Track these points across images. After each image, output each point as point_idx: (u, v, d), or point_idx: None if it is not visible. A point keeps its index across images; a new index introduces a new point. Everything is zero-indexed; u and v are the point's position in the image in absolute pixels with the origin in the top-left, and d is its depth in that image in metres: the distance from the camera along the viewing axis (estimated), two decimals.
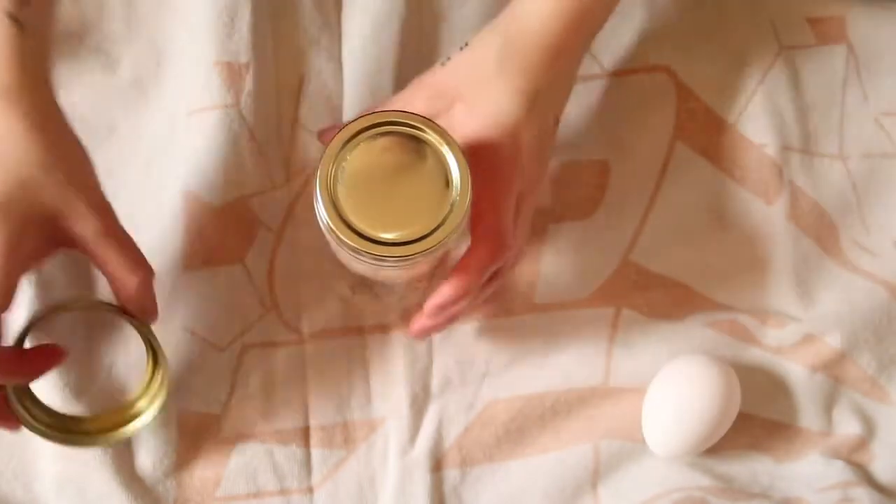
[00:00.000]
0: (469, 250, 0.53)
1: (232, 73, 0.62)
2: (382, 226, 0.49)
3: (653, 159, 0.65)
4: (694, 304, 0.63)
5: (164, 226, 0.62)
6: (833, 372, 0.62)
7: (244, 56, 0.62)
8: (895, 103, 0.67)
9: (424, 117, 0.50)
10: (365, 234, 0.49)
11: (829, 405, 0.62)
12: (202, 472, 0.60)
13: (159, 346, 0.55)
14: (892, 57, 0.68)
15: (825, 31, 0.68)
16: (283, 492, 0.60)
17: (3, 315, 0.50)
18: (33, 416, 0.56)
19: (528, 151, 0.54)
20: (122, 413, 0.58)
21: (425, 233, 0.49)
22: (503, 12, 0.56)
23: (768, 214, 0.64)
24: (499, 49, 0.54)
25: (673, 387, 0.59)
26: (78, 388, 0.59)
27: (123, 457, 0.59)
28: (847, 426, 0.62)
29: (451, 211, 0.50)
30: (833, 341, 0.62)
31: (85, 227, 0.51)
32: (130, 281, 0.52)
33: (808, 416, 0.62)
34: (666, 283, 0.64)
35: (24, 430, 0.55)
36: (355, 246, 0.49)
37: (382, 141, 0.51)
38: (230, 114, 0.61)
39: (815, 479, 0.61)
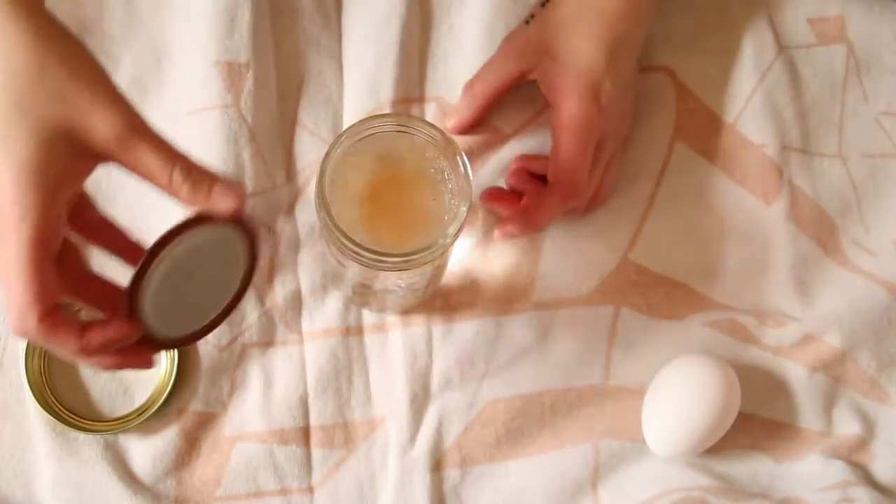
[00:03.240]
0: (543, 193, 0.58)
1: (232, 72, 0.62)
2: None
3: (653, 159, 0.65)
4: (694, 303, 0.64)
5: (164, 226, 0.62)
6: (833, 372, 0.62)
7: (244, 56, 0.62)
8: (895, 103, 0.67)
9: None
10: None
11: (828, 405, 0.62)
12: (202, 472, 0.60)
13: None
14: (892, 57, 0.68)
15: (825, 31, 0.68)
16: (283, 491, 0.60)
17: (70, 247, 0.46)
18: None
19: (609, 98, 0.58)
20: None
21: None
22: None
23: (768, 214, 0.64)
24: (578, 4, 0.59)
25: (673, 387, 0.59)
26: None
27: (123, 455, 0.59)
28: (847, 426, 0.62)
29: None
30: (833, 341, 0.62)
31: (107, 127, 0.44)
32: (174, 163, 0.46)
33: (808, 416, 0.62)
34: (666, 282, 0.64)
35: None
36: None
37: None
38: (230, 114, 0.61)
39: (815, 479, 0.61)
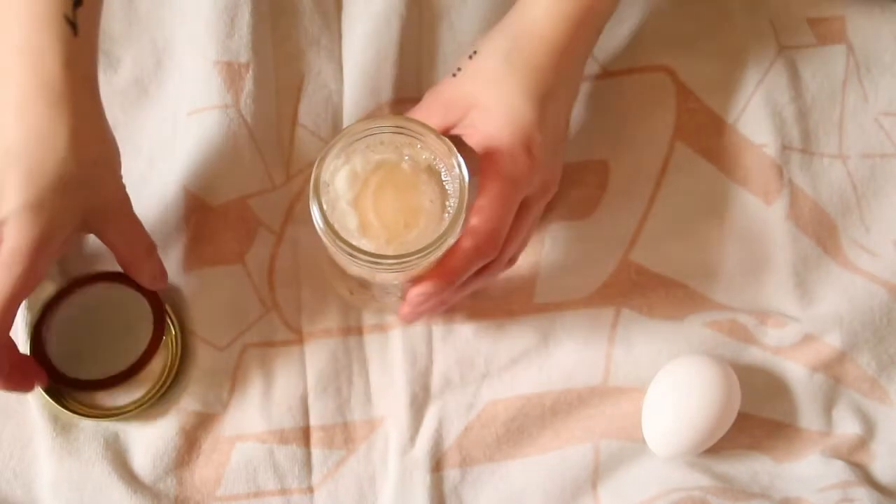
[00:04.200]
0: (457, 243, 0.53)
1: (232, 72, 0.62)
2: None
3: (653, 159, 0.65)
4: (694, 304, 0.63)
5: (165, 225, 0.62)
6: (833, 372, 0.62)
7: (244, 56, 0.62)
8: (895, 103, 0.67)
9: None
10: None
11: (828, 405, 0.62)
12: (203, 471, 0.60)
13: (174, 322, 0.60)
14: (892, 57, 0.68)
15: (825, 31, 0.68)
16: (283, 491, 0.60)
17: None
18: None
19: (541, 151, 0.55)
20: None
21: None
22: (508, 15, 0.58)
23: (768, 214, 0.64)
24: (507, 53, 0.56)
25: (673, 387, 0.59)
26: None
27: (123, 455, 0.59)
28: (847, 426, 0.62)
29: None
30: (833, 341, 0.62)
31: (113, 216, 0.55)
32: (142, 251, 0.58)
33: (808, 416, 0.62)
34: (666, 283, 0.64)
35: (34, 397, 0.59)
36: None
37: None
38: (230, 114, 0.61)
39: (815, 479, 0.61)
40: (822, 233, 0.65)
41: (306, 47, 0.65)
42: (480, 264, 0.54)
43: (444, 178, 0.52)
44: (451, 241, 0.50)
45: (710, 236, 0.64)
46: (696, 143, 0.65)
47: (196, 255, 0.61)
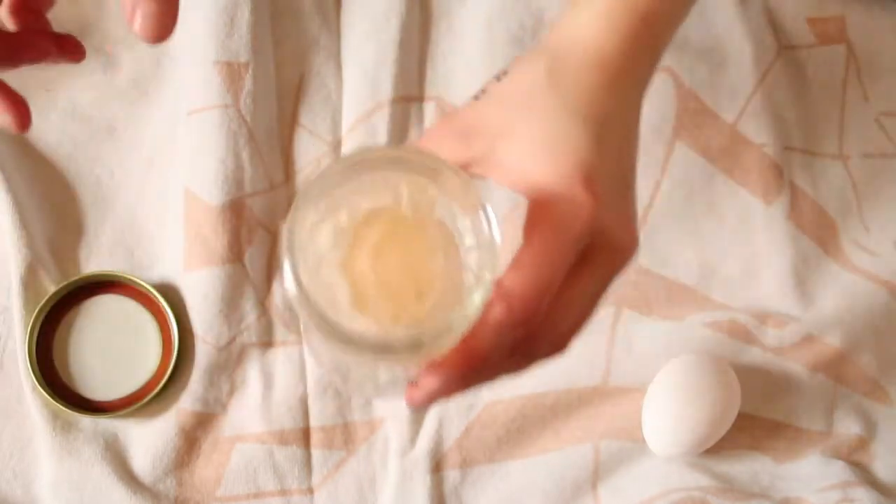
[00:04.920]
0: (482, 318, 0.38)
1: (231, 72, 0.62)
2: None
3: (653, 159, 0.65)
4: (694, 304, 0.63)
5: (165, 226, 0.62)
6: (833, 372, 0.62)
7: (244, 56, 0.62)
8: (895, 103, 0.67)
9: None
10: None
11: (829, 405, 0.62)
12: (202, 472, 0.60)
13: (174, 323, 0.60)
14: (892, 57, 0.68)
15: (825, 31, 0.68)
16: (283, 492, 0.60)
17: None
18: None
19: (604, 188, 0.41)
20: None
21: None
22: (547, 34, 0.46)
23: (768, 214, 0.64)
24: (547, 70, 0.43)
25: (673, 387, 0.59)
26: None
27: (123, 455, 0.59)
28: (847, 426, 0.62)
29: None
30: (833, 341, 0.62)
31: None
32: None
33: (809, 416, 0.62)
34: (666, 283, 0.64)
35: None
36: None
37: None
38: (229, 113, 0.61)
39: (816, 480, 0.61)
40: (822, 233, 0.65)
41: (306, 47, 0.65)
42: (513, 339, 0.40)
43: (461, 226, 0.38)
44: (471, 323, 0.37)
45: (710, 236, 0.64)
46: (696, 143, 0.65)
47: (196, 255, 0.61)
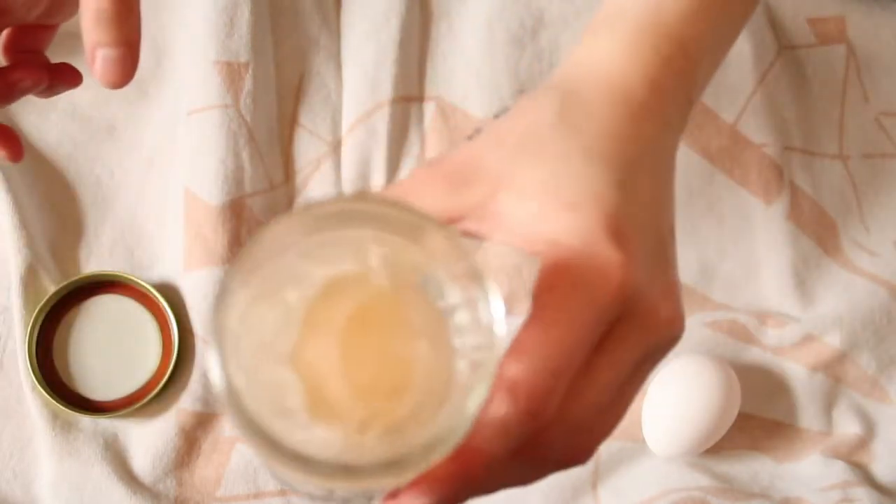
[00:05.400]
0: (479, 416, 0.29)
1: (231, 72, 0.62)
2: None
3: None
4: (694, 303, 0.63)
5: (165, 226, 0.62)
6: (833, 372, 0.62)
7: (244, 56, 0.62)
8: (895, 103, 0.67)
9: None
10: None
11: (829, 405, 0.62)
12: (203, 472, 0.60)
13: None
14: (893, 57, 0.68)
15: (825, 31, 0.68)
16: (283, 492, 0.60)
17: None
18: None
19: (639, 254, 0.33)
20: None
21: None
22: (559, 68, 0.38)
23: (768, 214, 0.64)
24: (559, 104, 0.35)
25: (673, 387, 0.59)
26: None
27: (123, 455, 0.59)
28: (847, 426, 0.62)
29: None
30: (833, 341, 0.62)
31: None
32: None
33: (808, 416, 0.62)
34: None
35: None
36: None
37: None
38: (229, 113, 0.61)
39: (816, 480, 0.61)
40: (822, 233, 0.65)
41: (306, 47, 0.65)
42: (519, 440, 0.31)
43: (450, 301, 0.29)
44: (466, 432, 0.28)
45: (710, 236, 0.64)
46: (696, 143, 0.65)
47: (196, 255, 0.61)
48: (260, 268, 0.28)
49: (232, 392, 0.26)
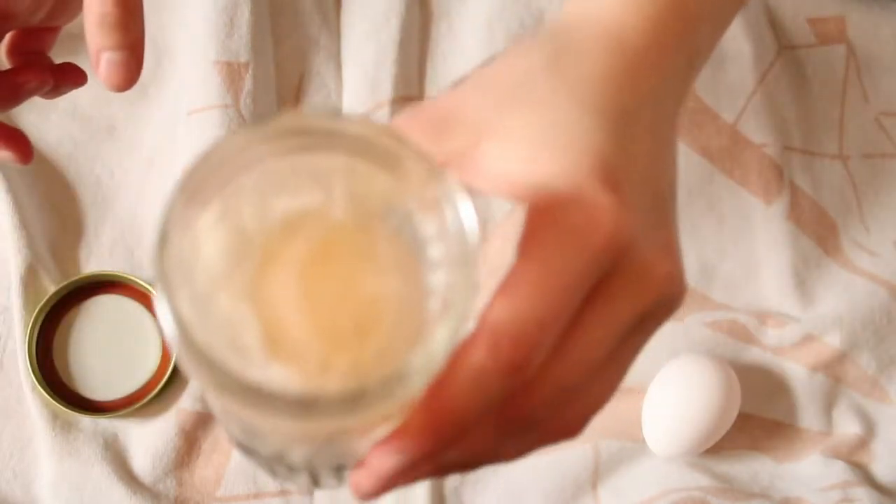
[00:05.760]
0: (459, 355, 0.28)
1: (231, 72, 0.62)
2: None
3: None
4: (694, 303, 0.63)
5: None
6: (833, 372, 0.62)
7: (244, 56, 0.62)
8: (895, 103, 0.67)
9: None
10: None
11: (829, 405, 0.62)
12: (203, 472, 0.60)
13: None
14: (893, 57, 0.67)
15: (825, 31, 0.68)
16: (283, 492, 0.60)
17: None
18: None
19: (634, 202, 0.31)
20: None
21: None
22: (548, 20, 0.38)
23: (768, 214, 0.64)
24: (551, 51, 0.33)
25: (673, 387, 0.59)
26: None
27: (122, 455, 0.59)
28: (847, 426, 0.62)
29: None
30: (833, 341, 0.62)
31: None
32: None
33: (809, 416, 0.62)
34: None
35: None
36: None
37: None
38: (229, 114, 0.61)
39: (816, 480, 0.61)
40: (822, 233, 0.65)
41: (306, 47, 0.65)
42: (500, 395, 0.28)
43: (423, 232, 0.27)
44: (447, 353, 0.26)
45: (709, 236, 0.64)
46: (695, 143, 0.65)
47: None
48: (215, 189, 0.26)
49: (180, 322, 0.24)
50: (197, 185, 0.25)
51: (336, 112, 0.23)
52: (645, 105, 0.33)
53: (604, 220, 0.29)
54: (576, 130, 0.31)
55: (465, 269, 0.25)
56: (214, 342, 0.25)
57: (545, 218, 0.29)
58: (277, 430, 0.28)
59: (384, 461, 0.29)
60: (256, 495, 0.60)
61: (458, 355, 0.27)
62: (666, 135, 0.34)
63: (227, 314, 0.25)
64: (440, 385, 0.27)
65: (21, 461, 0.59)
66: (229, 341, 0.25)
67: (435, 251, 0.26)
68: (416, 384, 0.25)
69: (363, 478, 0.30)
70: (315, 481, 0.35)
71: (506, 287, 0.28)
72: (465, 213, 0.26)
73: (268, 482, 0.60)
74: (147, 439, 0.59)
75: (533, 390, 0.29)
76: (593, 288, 0.29)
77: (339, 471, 0.34)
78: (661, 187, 0.33)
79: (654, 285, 0.30)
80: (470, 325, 0.26)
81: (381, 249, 0.26)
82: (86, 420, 0.59)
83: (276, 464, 0.34)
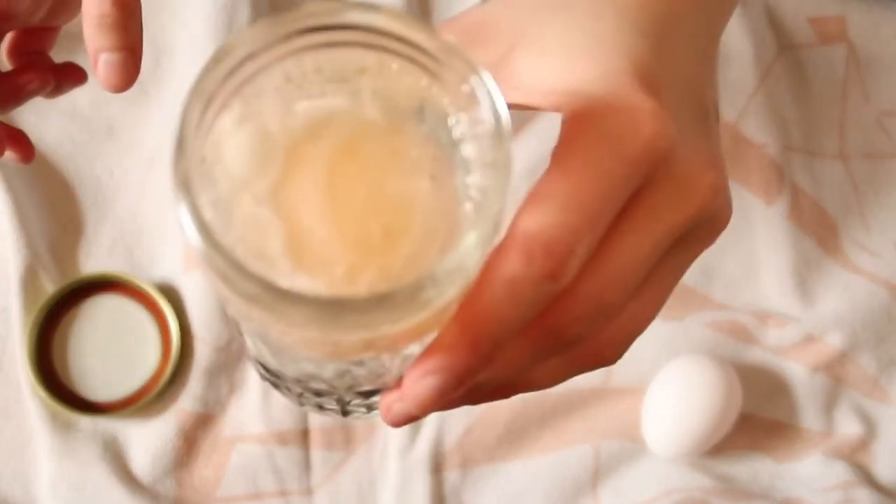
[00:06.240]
0: (491, 265, 0.26)
1: None
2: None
3: None
4: (694, 303, 0.63)
5: (165, 226, 0.62)
6: (834, 372, 0.62)
7: None
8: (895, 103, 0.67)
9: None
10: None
11: (829, 405, 0.62)
12: (202, 472, 0.60)
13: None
14: (893, 56, 0.67)
15: (826, 31, 0.67)
16: (282, 493, 0.60)
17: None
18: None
19: (674, 108, 0.29)
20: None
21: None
22: None
23: (768, 214, 0.64)
24: None
25: (673, 387, 0.59)
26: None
27: (122, 456, 0.59)
28: (848, 426, 0.62)
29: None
30: (833, 341, 0.62)
31: None
32: None
33: (809, 416, 0.62)
34: None
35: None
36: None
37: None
38: None
39: (816, 480, 0.61)
40: (822, 233, 0.64)
41: None
42: (535, 306, 0.27)
43: (455, 131, 0.26)
44: (482, 259, 0.25)
45: None
46: None
47: (196, 256, 0.61)
48: (233, 90, 0.24)
49: (203, 227, 0.23)
50: (214, 87, 0.24)
51: (363, 3, 0.23)
52: (688, 13, 0.32)
53: (643, 125, 0.27)
54: (614, 35, 0.29)
55: (498, 171, 0.24)
56: (237, 250, 0.24)
57: (581, 123, 0.28)
58: (305, 342, 0.26)
59: (419, 384, 0.27)
60: (256, 496, 0.60)
61: (490, 266, 0.26)
62: (708, 49, 0.33)
63: (250, 220, 0.24)
64: (473, 297, 0.26)
65: (20, 461, 0.59)
66: (254, 249, 0.24)
67: (468, 152, 0.25)
68: (447, 291, 0.23)
69: (395, 401, 0.29)
70: (344, 410, 0.34)
71: (539, 193, 0.27)
72: (501, 110, 0.24)
73: (267, 482, 0.60)
74: (146, 440, 0.59)
75: (568, 304, 0.27)
76: (632, 198, 0.27)
77: (368, 396, 0.32)
78: (704, 103, 0.31)
79: (696, 196, 0.28)
80: (502, 233, 0.25)
81: (412, 150, 0.25)
82: (85, 420, 0.59)
83: (304, 389, 0.33)
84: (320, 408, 0.35)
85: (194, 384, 0.60)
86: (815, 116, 0.66)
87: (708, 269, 0.64)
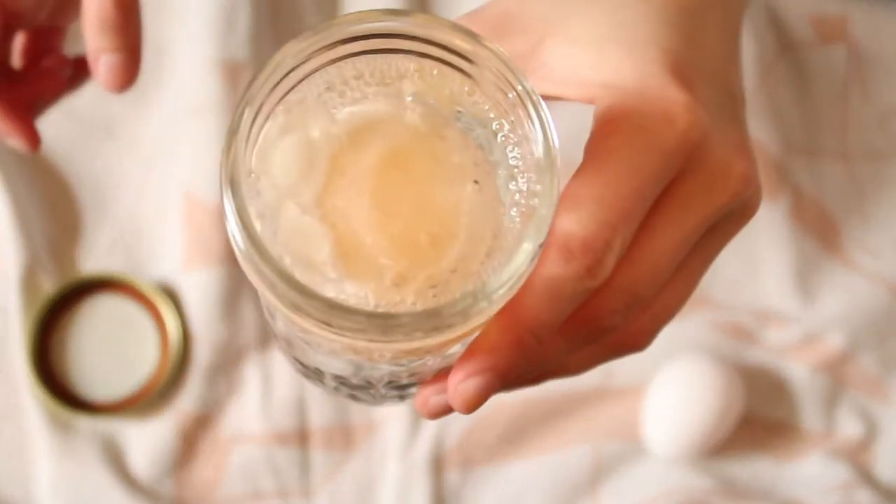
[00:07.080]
0: (529, 278, 0.26)
1: (231, 72, 0.62)
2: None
3: None
4: (694, 303, 0.63)
5: (164, 226, 0.62)
6: (835, 372, 0.62)
7: (244, 56, 0.62)
8: None
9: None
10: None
11: (830, 406, 0.62)
12: (201, 473, 0.60)
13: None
14: (894, 56, 0.67)
15: (826, 31, 0.67)
16: (282, 494, 0.60)
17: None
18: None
19: (706, 101, 0.29)
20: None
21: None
22: None
23: (770, 214, 0.64)
24: None
25: (673, 387, 0.59)
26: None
27: (121, 456, 0.59)
28: (849, 427, 0.62)
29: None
30: (834, 341, 0.62)
31: None
32: None
33: (810, 416, 0.62)
34: None
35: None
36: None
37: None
38: (229, 113, 0.61)
39: (817, 480, 0.61)
40: (823, 233, 0.64)
41: None
42: (574, 302, 0.27)
43: (499, 139, 0.26)
44: (518, 283, 0.25)
45: None
46: None
47: (195, 255, 0.61)
48: (277, 99, 0.25)
49: (254, 243, 0.23)
50: (260, 97, 0.24)
51: (403, 11, 0.24)
52: (715, 2, 0.32)
53: (677, 117, 0.28)
54: (644, 26, 0.30)
55: (547, 176, 0.24)
56: (285, 259, 0.24)
57: (616, 117, 0.28)
58: (352, 348, 0.26)
59: (465, 385, 0.28)
60: (255, 496, 0.59)
61: (534, 272, 0.26)
62: (735, 32, 0.33)
63: (296, 228, 0.24)
64: (514, 298, 0.26)
65: (20, 462, 0.59)
66: (301, 257, 0.24)
67: (512, 157, 0.25)
68: (499, 302, 0.24)
69: (433, 395, 0.29)
70: (377, 400, 0.35)
71: (575, 190, 0.27)
72: (545, 115, 0.24)
73: (267, 483, 0.59)
74: (146, 440, 0.59)
75: (604, 297, 0.28)
76: (665, 188, 0.28)
77: (404, 388, 0.33)
78: (733, 88, 0.32)
79: (728, 185, 0.29)
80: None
81: (454, 156, 0.25)
82: (84, 421, 0.59)
83: (340, 384, 0.33)
84: (353, 397, 0.35)
85: (194, 384, 0.60)
86: (816, 116, 0.66)
87: (708, 268, 0.64)
